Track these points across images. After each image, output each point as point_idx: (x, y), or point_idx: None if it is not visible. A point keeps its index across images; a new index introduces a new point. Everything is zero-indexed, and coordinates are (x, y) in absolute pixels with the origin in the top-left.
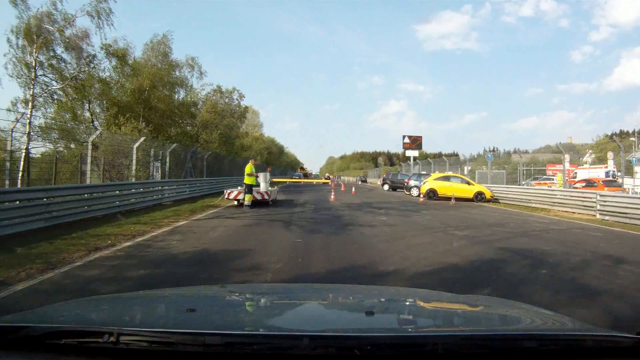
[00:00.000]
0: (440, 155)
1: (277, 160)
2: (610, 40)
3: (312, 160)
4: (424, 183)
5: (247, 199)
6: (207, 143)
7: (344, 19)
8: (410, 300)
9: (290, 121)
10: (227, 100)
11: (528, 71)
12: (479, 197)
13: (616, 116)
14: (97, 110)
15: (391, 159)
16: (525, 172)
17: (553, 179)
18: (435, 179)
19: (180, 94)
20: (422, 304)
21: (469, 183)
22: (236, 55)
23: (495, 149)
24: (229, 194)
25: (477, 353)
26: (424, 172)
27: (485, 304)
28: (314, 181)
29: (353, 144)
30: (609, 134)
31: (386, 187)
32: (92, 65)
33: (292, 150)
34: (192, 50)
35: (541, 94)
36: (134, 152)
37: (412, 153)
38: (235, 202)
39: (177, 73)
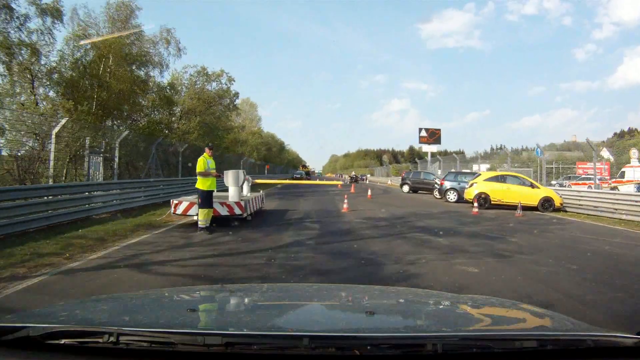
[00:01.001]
0: (446, 153)
1: (277, 157)
2: (614, 38)
3: (315, 159)
4: (471, 185)
5: (202, 217)
6: (185, 134)
7: (345, 18)
8: (411, 300)
9: (292, 120)
10: (214, 85)
11: (531, 69)
12: (546, 204)
13: (619, 115)
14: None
15: (396, 157)
16: (548, 171)
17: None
18: (486, 180)
19: (156, 75)
20: (422, 303)
21: (532, 185)
22: (237, 55)
23: (503, 147)
24: (176, 205)
25: (477, 353)
26: (465, 171)
27: (485, 304)
28: (322, 183)
29: (356, 142)
30: (617, 132)
31: (406, 188)
32: (23, 29)
33: (294, 148)
34: (192, 50)
35: (544, 92)
36: (53, 140)
37: (430, 148)
38: (195, 218)
39: (151, 49)
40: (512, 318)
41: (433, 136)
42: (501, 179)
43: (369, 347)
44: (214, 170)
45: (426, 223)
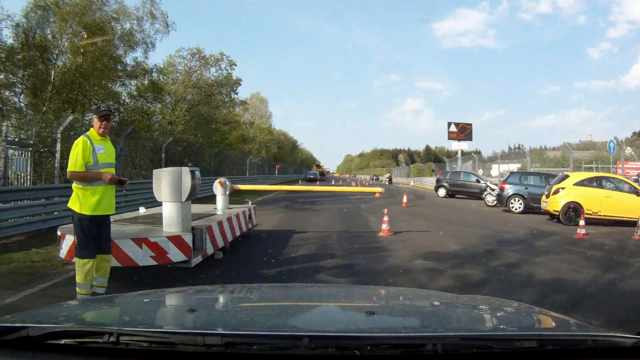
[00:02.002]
0: (463, 153)
1: (289, 156)
2: (628, 36)
3: (329, 159)
4: (556, 191)
5: (80, 278)
6: (172, 124)
7: (358, 17)
8: (411, 300)
9: (306, 120)
10: (213, 71)
11: (545, 69)
12: None
13: (635, 114)
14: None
15: (412, 157)
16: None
17: None
18: (577, 184)
19: (140, 56)
20: (422, 304)
21: (637, 192)
22: (250, 54)
23: (521, 146)
24: (59, 239)
25: (477, 353)
26: (531, 170)
27: (485, 304)
28: (348, 190)
29: (370, 142)
30: (636, 130)
31: (442, 192)
32: None
33: (307, 148)
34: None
35: (559, 91)
36: None
37: (460, 145)
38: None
39: (135, 26)
40: (512, 318)
41: (464, 131)
42: (596, 182)
43: (369, 347)
44: (112, 170)
45: (553, 271)
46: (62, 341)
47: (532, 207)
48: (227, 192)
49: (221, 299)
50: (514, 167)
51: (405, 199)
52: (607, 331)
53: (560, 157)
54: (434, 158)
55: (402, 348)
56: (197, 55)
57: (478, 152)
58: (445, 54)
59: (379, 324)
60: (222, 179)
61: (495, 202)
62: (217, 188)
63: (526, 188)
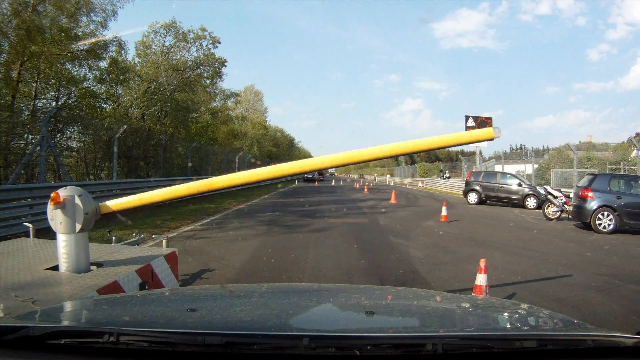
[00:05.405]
0: (463, 153)
1: (286, 154)
2: (628, 38)
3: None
4: None
5: None
6: (134, 109)
7: (360, 18)
8: (411, 300)
9: (305, 119)
10: (194, 50)
11: (544, 70)
12: None
13: (633, 116)
14: None
15: (411, 156)
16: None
17: None
18: None
19: (98, 27)
20: (422, 304)
21: None
22: (248, 53)
23: (523, 147)
24: None
25: (477, 353)
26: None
27: (485, 304)
28: None
29: (369, 142)
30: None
31: (473, 197)
32: None
33: (306, 147)
34: None
35: (558, 92)
36: None
37: (480, 142)
38: None
39: None
40: (512, 318)
41: (483, 126)
42: None
43: (369, 347)
44: None
45: None
46: (62, 341)
47: (625, 224)
48: (81, 226)
49: (221, 299)
50: (517, 168)
51: (444, 212)
52: (607, 331)
53: (584, 156)
54: (434, 158)
55: (402, 348)
56: (172, 30)
57: (475, 153)
58: (444, 55)
59: (379, 324)
60: (65, 192)
61: (559, 214)
62: (56, 216)
63: (618, 197)
